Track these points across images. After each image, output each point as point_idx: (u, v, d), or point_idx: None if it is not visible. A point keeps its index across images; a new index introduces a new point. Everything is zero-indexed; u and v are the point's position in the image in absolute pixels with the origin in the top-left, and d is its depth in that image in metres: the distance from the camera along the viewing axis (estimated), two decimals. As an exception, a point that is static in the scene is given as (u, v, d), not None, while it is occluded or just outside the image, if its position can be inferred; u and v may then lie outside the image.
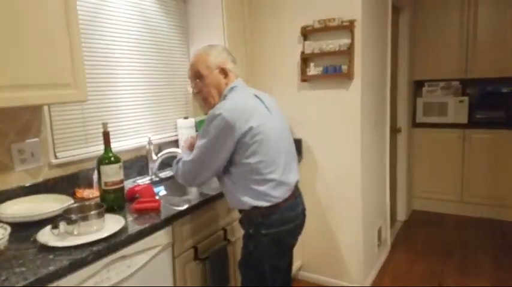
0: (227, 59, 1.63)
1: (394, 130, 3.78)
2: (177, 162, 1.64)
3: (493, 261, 3.08)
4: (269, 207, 1.53)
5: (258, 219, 1.54)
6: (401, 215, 4.03)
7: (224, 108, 1.47)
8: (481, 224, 3.87)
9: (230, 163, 1.53)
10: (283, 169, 1.56)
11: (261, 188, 1.51)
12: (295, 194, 1.63)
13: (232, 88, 1.59)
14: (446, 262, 3.11)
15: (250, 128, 1.47)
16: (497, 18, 3.81)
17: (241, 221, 1.65)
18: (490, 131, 3.87)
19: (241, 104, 1.52)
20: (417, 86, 4.32)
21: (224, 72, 1.60)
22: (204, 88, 1.60)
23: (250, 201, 1.52)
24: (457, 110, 4.06)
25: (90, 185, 1.89)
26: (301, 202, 1.68)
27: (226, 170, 1.56)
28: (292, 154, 1.68)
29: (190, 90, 1.69)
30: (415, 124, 4.22)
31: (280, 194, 1.54)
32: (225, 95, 1.57)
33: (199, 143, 1.52)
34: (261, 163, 1.49)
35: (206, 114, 1.61)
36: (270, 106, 1.62)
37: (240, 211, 1.63)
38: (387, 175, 3.27)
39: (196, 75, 1.61)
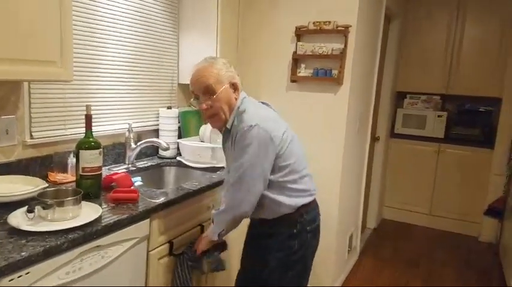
0: (234, 72, 1.57)
1: (373, 138, 3.83)
2: (218, 213, 1.56)
3: (456, 275, 3.18)
4: (310, 203, 1.61)
5: (303, 217, 1.57)
6: (371, 223, 4.10)
7: (258, 119, 1.45)
8: (447, 237, 3.99)
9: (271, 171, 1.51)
10: (306, 163, 1.64)
11: (301, 185, 1.57)
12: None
13: (242, 100, 1.55)
14: (412, 272, 3.18)
15: (283, 133, 1.52)
16: (482, 40, 3.92)
17: (272, 227, 1.56)
18: (464, 148, 3.99)
19: (266, 113, 1.56)
20: (399, 97, 4.40)
21: (235, 87, 1.55)
22: (216, 103, 1.50)
23: (296, 201, 1.55)
24: (435, 124, 4.16)
25: (64, 169, 1.79)
26: None
27: None
28: None
29: (193, 104, 1.59)
30: (393, 134, 4.29)
31: (314, 186, 1.65)
32: (238, 107, 1.52)
33: (241, 160, 1.44)
34: (297, 161, 1.56)
35: (220, 130, 1.60)
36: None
37: (276, 218, 1.56)
38: (363, 183, 3.31)
39: (206, 91, 1.50)
